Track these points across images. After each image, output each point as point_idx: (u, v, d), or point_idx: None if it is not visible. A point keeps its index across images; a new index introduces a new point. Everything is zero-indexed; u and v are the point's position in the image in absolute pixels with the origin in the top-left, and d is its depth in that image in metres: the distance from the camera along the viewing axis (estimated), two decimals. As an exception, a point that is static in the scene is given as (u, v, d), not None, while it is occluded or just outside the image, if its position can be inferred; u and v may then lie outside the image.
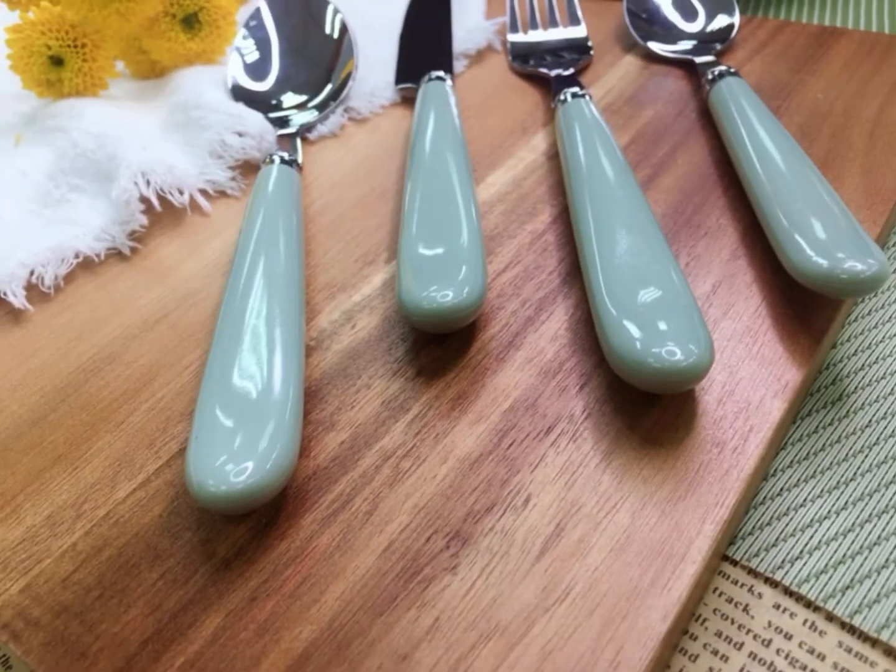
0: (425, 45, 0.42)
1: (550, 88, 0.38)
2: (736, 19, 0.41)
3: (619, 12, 0.44)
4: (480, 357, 0.26)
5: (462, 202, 0.29)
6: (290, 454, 0.22)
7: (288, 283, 0.27)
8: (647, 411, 0.24)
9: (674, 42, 0.40)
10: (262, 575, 0.21)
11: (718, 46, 0.40)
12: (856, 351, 0.27)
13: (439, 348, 0.27)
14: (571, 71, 0.39)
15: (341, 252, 0.32)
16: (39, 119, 0.43)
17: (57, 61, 0.42)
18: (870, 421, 0.25)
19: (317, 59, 0.42)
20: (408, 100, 0.41)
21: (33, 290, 0.32)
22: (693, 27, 0.41)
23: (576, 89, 0.35)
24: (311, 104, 0.40)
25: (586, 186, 0.29)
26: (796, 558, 0.22)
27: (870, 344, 0.27)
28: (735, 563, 0.22)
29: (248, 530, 0.22)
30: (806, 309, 0.26)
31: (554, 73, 0.39)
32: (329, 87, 0.40)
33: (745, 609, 0.21)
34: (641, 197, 0.28)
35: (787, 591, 0.21)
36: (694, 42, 0.40)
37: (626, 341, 0.23)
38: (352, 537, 0.22)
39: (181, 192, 0.35)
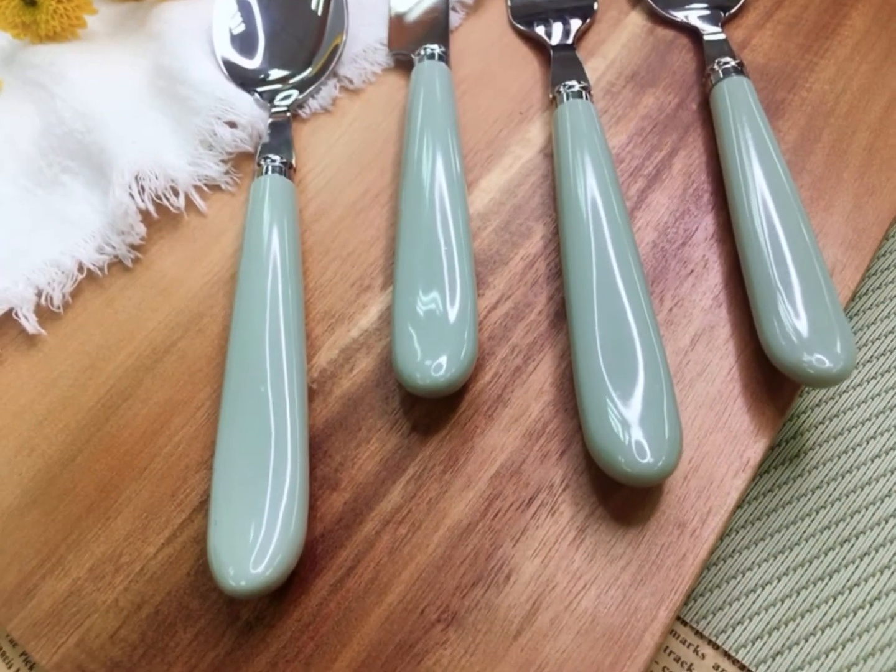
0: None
1: (549, 57, 0.37)
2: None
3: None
4: (470, 413, 0.28)
5: (456, 245, 0.29)
6: (299, 537, 0.24)
7: (291, 324, 0.29)
8: (620, 486, 0.26)
9: (681, 6, 0.38)
10: (281, 640, 0.25)
11: (724, 14, 0.37)
12: (820, 401, 0.29)
13: (431, 401, 0.29)
14: (571, 39, 0.37)
15: (338, 273, 0.32)
16: (18, 62, 0.42)
17: (30, 2, 0.40)
18: (821, 482, 0.27)
19: (306, 27, 0.39)
20: (402, 63, 0.39)
21: (42, 308, 0.33)
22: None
23: (573, 83, 0.34)
24: (300, 76, 0.38)
25: (576, 229, 0.29)
26: (738, 623, 0.25)
27: (834, 394, 0.29)
28: (685, 623, 0.26)
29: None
30: (775, 374, 0.28)
31: (554, 40, 0.38)
32: (319, 56, 0.39)
33: (689, 669, 0.25)
34: (632, 241, 0.29)
35: (727, 654, 0.25)
36: (703, 6, 0.38)
37: (601, 434, 0.25)
38: (357, 605, 0.25)
39: (176, 194, 0.35)
